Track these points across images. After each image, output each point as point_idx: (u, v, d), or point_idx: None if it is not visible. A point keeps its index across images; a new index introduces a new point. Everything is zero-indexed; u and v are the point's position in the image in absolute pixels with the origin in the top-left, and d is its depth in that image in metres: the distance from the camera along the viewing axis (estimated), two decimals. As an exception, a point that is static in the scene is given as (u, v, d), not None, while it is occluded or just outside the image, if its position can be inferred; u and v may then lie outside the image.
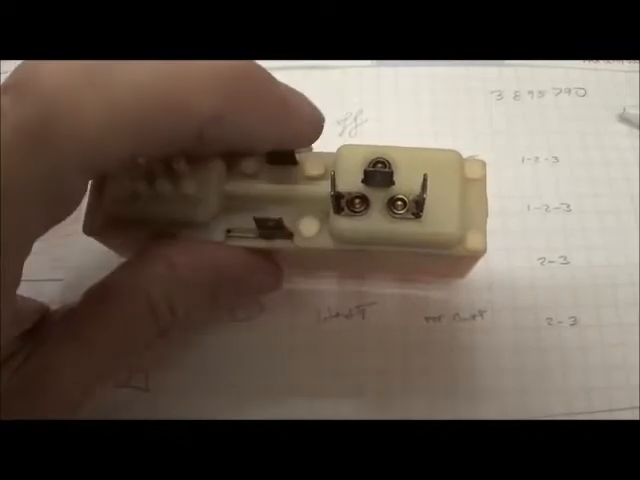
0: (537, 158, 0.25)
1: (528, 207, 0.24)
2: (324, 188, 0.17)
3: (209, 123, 0.16)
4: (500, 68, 0.26)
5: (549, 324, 0.22)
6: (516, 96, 0.26)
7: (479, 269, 0.20)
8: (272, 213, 0.18)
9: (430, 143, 0.18)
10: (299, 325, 0.22)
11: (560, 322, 0.22)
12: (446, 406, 0.21)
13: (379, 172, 0.17)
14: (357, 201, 0.17)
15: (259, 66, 0.17)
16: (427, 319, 0.22)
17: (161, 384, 0.21)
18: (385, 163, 0.17)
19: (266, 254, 0.19)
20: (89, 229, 0.18)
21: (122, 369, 0.20)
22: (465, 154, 0.18)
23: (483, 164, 0.18)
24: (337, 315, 0.22)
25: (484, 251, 0.18)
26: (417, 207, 0.17)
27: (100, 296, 0.17)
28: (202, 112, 0.15)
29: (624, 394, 0.21)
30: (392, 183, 0.17)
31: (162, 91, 0.15)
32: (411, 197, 0.17)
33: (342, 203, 0.17)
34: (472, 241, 0.18)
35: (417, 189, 0.16)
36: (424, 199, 0.16)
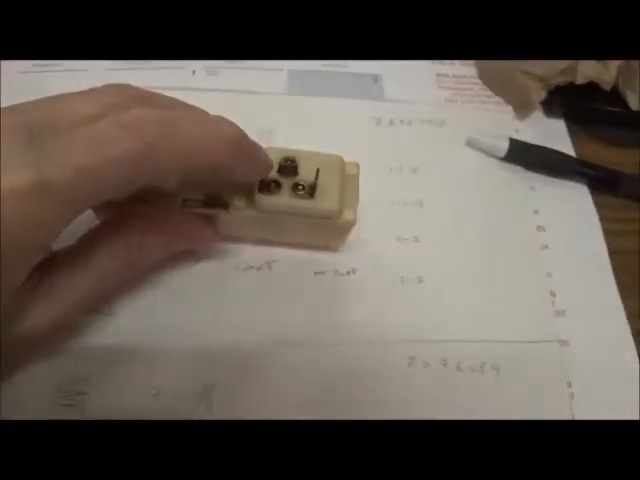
0: (401, 168, 0.34)
1: (392, 201, 0.33)
2: None
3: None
4: (379, 102, 0.36)
5: (401, 282, 0.31)
6: (390, 123, 0.36)
7: (354, 241, 0.30)
8: (215, 191, 0.26)
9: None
10: (224, 272, 0.30)
11: (410, 280, 0.31)
12: (328, 331, 0.29)
13: (288, 166, 0.26)
14: (273, 184, 0.26)
15: (245, 134, 0.24)
16: (316, 273, 0.31)
17: (123, 310, 0.29)
18: (292, 160, 0.26)
19: (208, 219, 0.27)
20: None
21: (103, 291, 0.25)
22: (350, 156, 0.27)
23: (358, 166, 0.28)
24: (251, 267, 0.31)
25: (354, 222, 0.27)
26: (311, 190, 0.26)
27: (92, 237, 0.25)
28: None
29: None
30: (297, 173, 0.26)
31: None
32: (308, 183, 0.26)
33: (263, 185, 0.26)
34: (346, 215, 0.27)
35: (312, 178, 0.26)
36: (316, 185, 0.26)
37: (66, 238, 0.23)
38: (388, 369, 0.29)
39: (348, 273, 0.31)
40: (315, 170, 0.26)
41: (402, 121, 0.36)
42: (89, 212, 0.26)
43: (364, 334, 0.29)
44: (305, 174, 0.26)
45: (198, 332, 0.29)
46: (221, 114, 0.24)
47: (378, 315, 0.30)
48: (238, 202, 0.27)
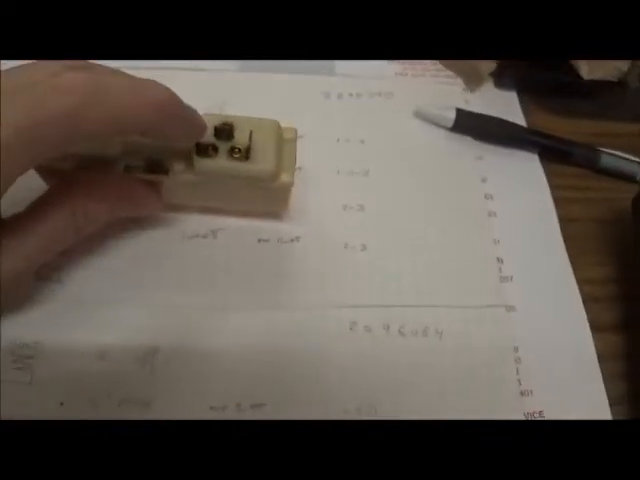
0: (348, 139, 0.34)
1: (338, 171, 0.33)
2: None
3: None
4: (329, 77, 0.36)
5: (345, 248, 0.31)
6: (339, 96, 0.36)
7: (299, 209, 0.30)
8: (156, 156, 0.27)
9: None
10: (171, 240, 0.30)
11: (353, 247, 0.31)
12: (270, 297, 0.29)
13: (224, 129, 0.26)
14: (210, 148, 0.26)
15: (177, 97, 0.24)
16: (259, 240, 0.31)
17: (71, 278, 0.29)
18: (229, 125, 0.26)
19: (152, 186, 0.28)
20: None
21: (47, 258, 0.26)
22: (299, 133, 0.28)
23: (295, 130, 0.28)
24: (197, 235, 0.31)
25: (291, 184, 0.27)
26: (247, 152, 0.26)
27: (38, 204, 0.25)
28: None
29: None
30: (233, 137, 0.26)
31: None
32: (244, 146, 0.26)
33: (201, 149, 0.26)
34: (283, 177, 0.27)
35: (247, 142, 0.26)
36: (250, 146, 0.26)
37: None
38: (329, 333, 0.29)
39: (292, 240, 0.31)
40: (250, 134, 0.26)
41: (351, 94, 0.36)
42: (40, 184, 0.27)
43: (306, 299, 0.29)
44: (241, 138, 0.26)
45: (142, 298, 0.29)
46: (177, 89, 0.24)
47: (320, 281, 0.30)
48: (177, 166, 0.27)
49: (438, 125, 0.35)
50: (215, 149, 0.26)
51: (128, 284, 0.29)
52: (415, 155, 0.34)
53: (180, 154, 0.27)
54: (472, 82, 0.37)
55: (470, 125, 0.34)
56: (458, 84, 0.37)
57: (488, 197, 0.33)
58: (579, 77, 0.35)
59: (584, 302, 0.31)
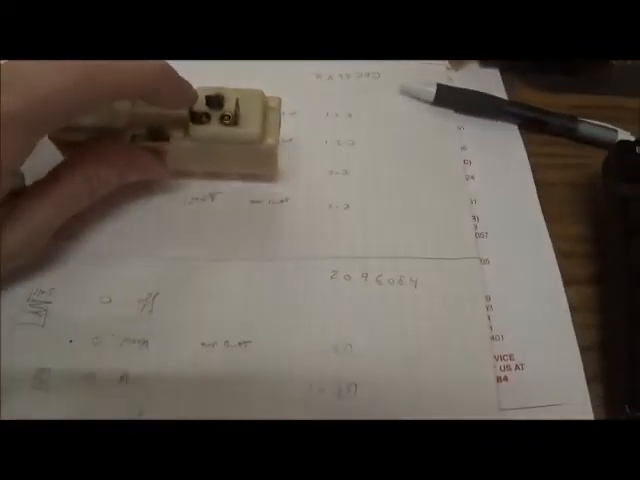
0: (337, 114, 0.38)
1: (326, 141, 0.36)
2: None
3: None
4: (319, 60, 0.39)
5: (329, 207, 0.34)
6: (329, 77, 0.39)
7: (289, 173, 0.34)
8: (157, 126, 0.31)
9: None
10: (174, 203, 0.34)
11: (337, 206, 0.34)
12: (260, 249, 0.32)
13: (215, 98, 0.30)
14: (204, 116, 0.30)
15: (170, 65, 0.27)
16: (252, 202, 0.34)
17: (87, 238, 0.33)
18: (219, 95, 0.30)
19: (156, 153, 0.32)
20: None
21: (64, 219, 0.29)
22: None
23: (279, 99, 0.31)
24: (196, 199, 0.34)
25: (276, 146, 0.31)
26: (235, 118, 0.30)
27: (55, 171, 0.29)
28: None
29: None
30: (222, 105, 0.30)
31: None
32: (232, 113, 0.30)
33: (196, 118, 0.30)
34: (269, 140, 0.31)
35: (235, 109, 0.30)
36: (237, 114, 0.29)
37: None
38: (313, 281, 0.31)
39: (282, 201, 0.34)
40: (237, 102, 0.30)
41: (340, 75, 0.39)
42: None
43: (292, 251, 0.32)
44: (230, 106, 0.30)
45: (146, 252, 0.32)
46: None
47: (306, 236, 0.33)
48: (177, 134, 0.31)
49: (421, 100, 0.38)
50: (208, 117, 0.30)
51: (134, 241, 0.33)
52: (399, 126, 0.37)
53: (178, 123, 0.31)
54: (456, 62, 0.39)
55: (451, 98, 0.37)
56: (443, 64, 0.40)
57: (467, 162, 0.36)
58: (560, 54, 0.37)
59: (558, 258, 0.33)
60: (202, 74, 0.34)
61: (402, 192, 0.34)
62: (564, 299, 0.32)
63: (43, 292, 0.31)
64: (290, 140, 0.36)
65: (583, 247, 0.34)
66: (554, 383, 0.30)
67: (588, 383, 0.29)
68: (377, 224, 0.33)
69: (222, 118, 0.30)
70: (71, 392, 0.28)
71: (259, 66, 0.38)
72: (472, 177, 0.35)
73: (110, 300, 0.31)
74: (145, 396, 0.28)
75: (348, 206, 0.34)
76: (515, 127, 0.37)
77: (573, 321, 0.31)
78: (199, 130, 0.30)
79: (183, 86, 0.29)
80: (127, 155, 0.31)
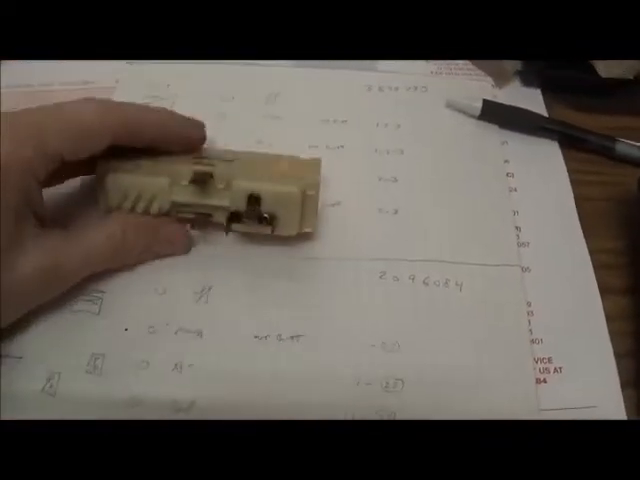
0: (387, 124, 0.39)
1: (376, 150, 0.38)
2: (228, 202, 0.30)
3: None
4: (371, 73, 0.42)
5: (379, 212, 0.36)
6: (380, 89, 0.41)
7: (341, 179, 0.36)
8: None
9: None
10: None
11: (386, 211, 0.36)
12: (312, 248, 0.34)
13: (252, 196, 0.30)
14: (242, 215, 0.30)
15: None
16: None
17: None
18: (256, 195, 0.29)
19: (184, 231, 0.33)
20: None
21: (90, 269, 0.30)
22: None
23: (317, 185, 0.31)
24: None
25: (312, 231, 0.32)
26: (272, 221, 0.30)
27: (81, 225, 0.31)
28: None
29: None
30: (259, 205, 0.30)
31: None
32: (270, 214, 0.30)
33: (233, 216, 0.30)
34: (305, 229, 0.32)
35: (273, 210, 0.30)
36: (274, 216, 0.30)
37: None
38: (362, 280, 0.33)
39: (333, 205, 0.36)
40: (275, 204, 0.30)
41: (390, 88, 0.41)
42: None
43: (342, 251, 0.34)
44: (268, 207, 0.30)
45: (200, 243, 0.34)
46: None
47: (356, 237, 0.34)
48: (218, 218, 0.32)
49: (467, 114, 0.40)
50: (246, 216, 0.30)
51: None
52: (445, 138, 0.39)
53: (219, 212, 0.31)
54: (500, 80, 0.41)
55: (496, 114, 0.39)
56: (487, 81, 0.42)
57: (510, 175, 0.38)
58: (597, 75, 0.39)
59: (595, 268, 0.35)
60: (260, 82, 0.37)
61: (448, 200, 0.36)
62: (600, 308, 0.33)
63: (97, 282, 0.32)
64: (342, 147, 0.38)
65: (618, 259, 0.35)
66: (590, 387, 0.31)
67: (622, 388, 0.31)
68: (424, 229, 0.35)
69: (260, 219, 0.30)
70: (124, 378, 0.30)
71: (314, 77, 0.40)
72: (515, 189, 0.37)
73: (165, 291, 0.32)
74: (197, 385, 0.30)
75: (397, 211, 0.36)
76: (555, 144, 0.39)
77: (609, 329, 0.33)
78: (237, 227, 0.30)
79: (191, 122, 0.32)
80: (158, 228, 0.32)
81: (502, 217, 0.36)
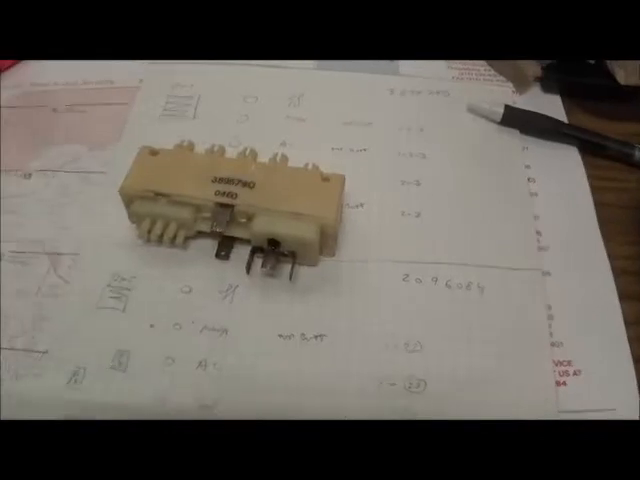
0: (409, 128, 0.40)
1: (399, 153, 0.39)
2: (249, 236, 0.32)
3: None
4: (394, 76, 0.42)
5: (402, 215, 0.36)
6: (402, 93, 0.42)
7: (364, 183, 0.36)
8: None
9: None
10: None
11: (409, 214, 0.36)
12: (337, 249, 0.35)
13: (272, 240, 0.31)
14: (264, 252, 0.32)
15: None
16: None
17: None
18: (275, 241, 0.31)
19: None
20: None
21: None
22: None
23: (335, 222, 0.31)
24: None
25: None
26: (294, 255, 0.32)
27: None
28: None
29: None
30: (280, 245, 0.32)
31: None
32: (291, 251, 0.32)
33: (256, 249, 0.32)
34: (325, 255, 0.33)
35: (293, 249, 0.32)
36: (295, 254, 0.32)
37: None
38: (386, 282, 0.34)
39: (357, 206, 0.36)
40: (294, 245, 0.32)
41: (412, 92, 0.42)
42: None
43: (366, 253, 0.34)
44: (287, 246, 0.32)
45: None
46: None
47: (379, 239, 0.35)
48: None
49: (488, 119, 0.40)
50: (267, 253, 0.32)
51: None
52: (467, 142, 0.39)
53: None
54: (520, 86, 0.42)
55: (517, 119, 0.39)
56: (508, 87, 0.42)
57: (531, 180, 0.38)
58: (616, 82, 0.40)
59: (614, 274, 0.35)
60: (285, 83, 0.37)
61: (470, 204, 0.37)
62: (619, 312, 0.34)
63: (124, 279, 0.33)
64: (365, 150, 0.38)
65: (637, 265, 0.36)
66: (608, 390, 0.31)
67: (640, 392, 0.31)
68: (446, 232, 0.36)
69: (281, 255, 0.32)
70: (149, 374, 0.30)
71: (337, 80, 0.41)
72: (535, 194, 0.37)
73: (190, 290, 0.33)
74: (221, 383, 0.30)
75: (419, 214, 0.36)
76: (575, 150, 0.40)
77: (627, 334, 0.33)
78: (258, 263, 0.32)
79: None
80: None
81: (523, 221, 0.36)
